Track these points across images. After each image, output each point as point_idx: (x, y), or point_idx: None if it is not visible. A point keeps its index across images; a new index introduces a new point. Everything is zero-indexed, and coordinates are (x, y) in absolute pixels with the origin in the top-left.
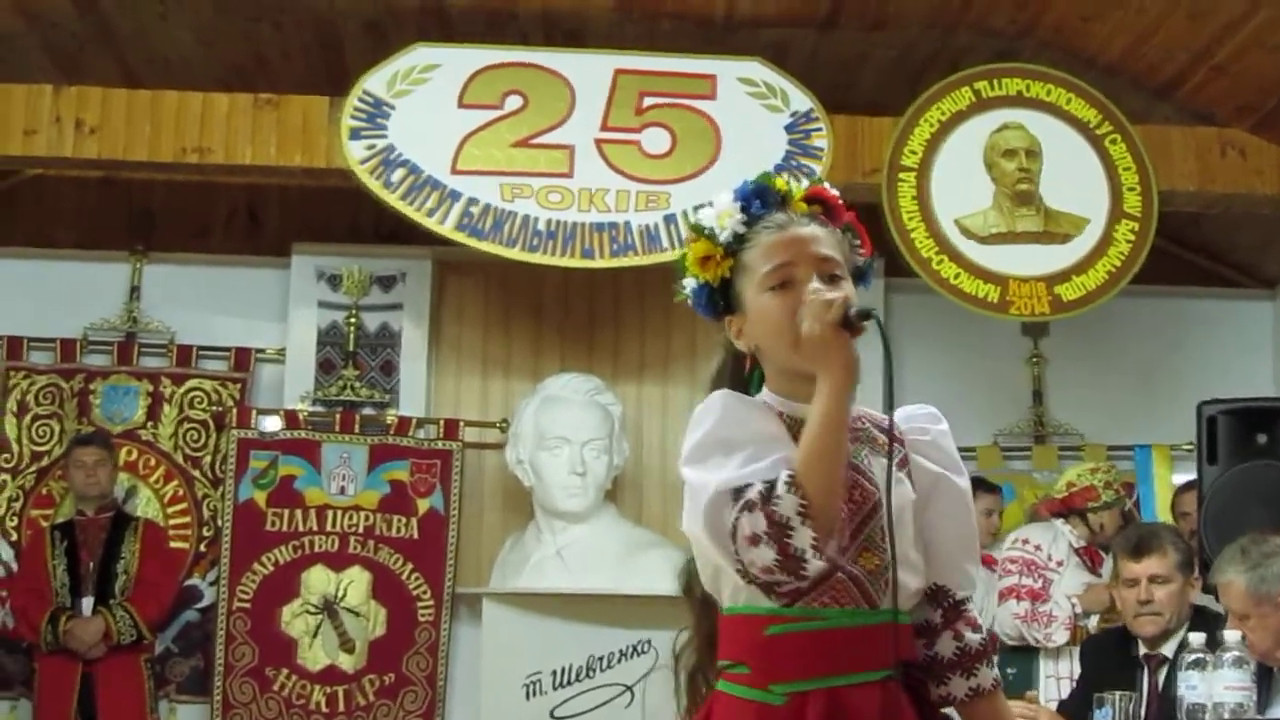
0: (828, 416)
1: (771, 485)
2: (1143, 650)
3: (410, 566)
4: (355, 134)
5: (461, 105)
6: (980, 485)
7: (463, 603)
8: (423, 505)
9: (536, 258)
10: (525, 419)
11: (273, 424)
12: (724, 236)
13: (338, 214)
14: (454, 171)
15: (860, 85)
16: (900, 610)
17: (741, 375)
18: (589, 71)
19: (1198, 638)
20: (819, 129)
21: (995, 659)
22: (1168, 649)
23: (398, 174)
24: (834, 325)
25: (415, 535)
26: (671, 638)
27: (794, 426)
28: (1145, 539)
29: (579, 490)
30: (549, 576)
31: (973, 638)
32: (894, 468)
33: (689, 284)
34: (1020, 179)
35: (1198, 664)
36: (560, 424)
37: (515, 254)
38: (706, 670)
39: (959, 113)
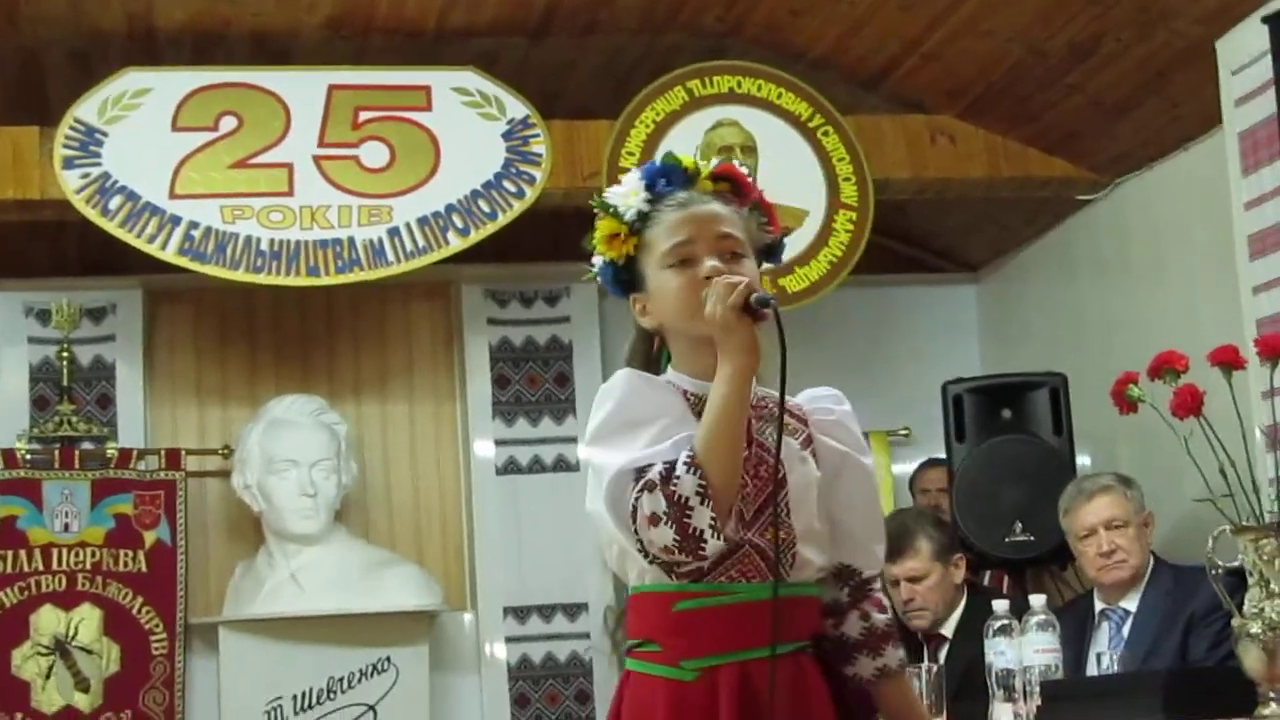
0: (727, 399)
1: (672, 466)
2: (920, 634)
3: (141, 600)
4: (69, 163)
5: (176, 129)
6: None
7: (197, 633)
8: (149, 537)
9: (262, 278)
10: (250, 443)
11: None
12: (629, 214)
13: (41, 248)
14: (173, 196)
15: (571, 91)
16: (808, 584)
17: (650, 354)
18: (302, 89)
19: (1001, 605)
20: (536, 135)
21: (899, 643)
22: (946, 629)
23: (115, 201)
24: (736, 309)
25: (144, 568)
26: (411, 654)
27: (700, 405)
28: (895, 540)
29: (310, 512)
30: (284, 600)
31: (879, 618)
32: (799, 446)
33: (597, 261)
34: None
35: (1004, 630)
36: (287, 446)
37: (240, 276)
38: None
39: (673, 112)
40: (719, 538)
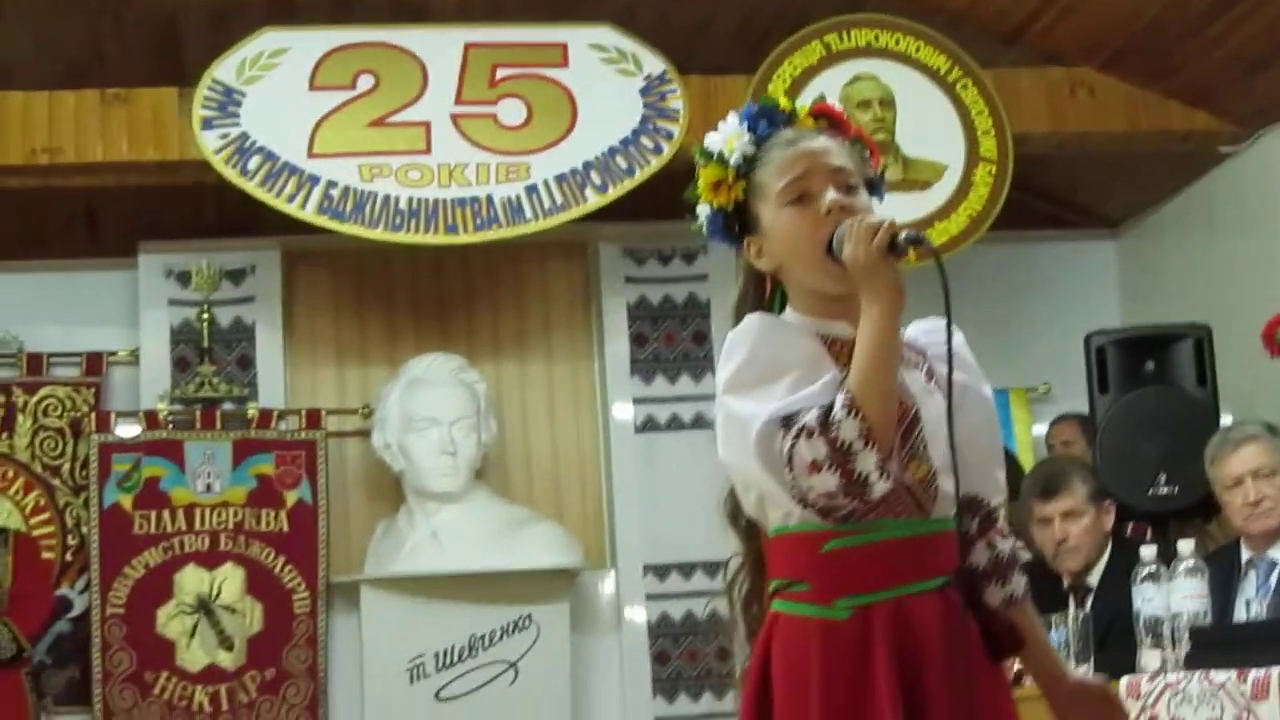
0: (881, 337)
1: (828, 410)
2: (1066, 582)
3: (283, 560)
4: (208, 124)
5: (313, 88)
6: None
7: (339, 592)
8: (290, 497)
9: (400, 237)
10: (390, 403)
11: (133, 427)
12: (734, 159)
13: (180, 210)
14: (310, 155)
15: (708, 47)
16: (947, 519)
17: (763, 298)
18: (439, 47)
19: (1149, 551)
20: (673, 90)
21: (1025, 570)
22: (1092, 578)
23: (254, 161)
24: (881, 250)
25: (285, 528)
26: (551, 611)
27: (828, 345)
28: (1052, 479)
29: (450, 470)
30: (425, 559)
31: (1004, 545)
32: (924, 380)
33: (702, 211)
34: (876, 129)
35: (1152, 576)
36: (427, 405)
37: (379, 235)
38: (760, 595)
39: (810, 67)
40: (887, 479)
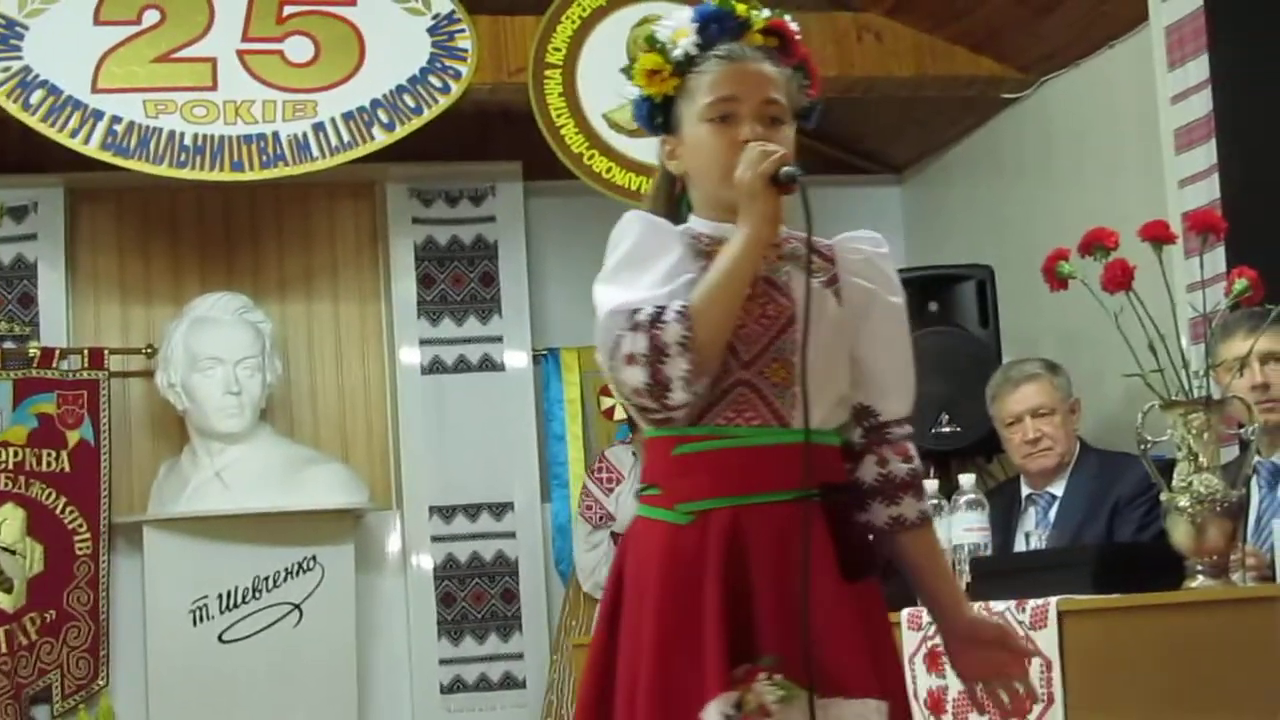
0: (737, 262)
1: (662, 310)
2: None
3: (64, 500)
4: None
5: (98, 23)
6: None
7: (121, 533)
8: (73, 437)
9: (185, 174)
10: (174, 342)
11: None
12: (675, 54)
13: None
14: (95, 90)
15: None
16: (820, 429)
17: (673, 195)
18: None
19: (930, 485)
20: (462, 30)
21: (926, 495)
22: None
23: (36, 95)
24: (765, 177)
25: (67, 468)
26: (336, 552)
27: (714, 247)
28: None
29: (235, 410)
30: (210, 499)
31: (899, 466)
32: (820, 285)
33: (633, 93)
34: None
35: (934, 509)
36: (212, 344)
37: (164, 170)
38: None
39: (599, 8)
40: (688, 390)
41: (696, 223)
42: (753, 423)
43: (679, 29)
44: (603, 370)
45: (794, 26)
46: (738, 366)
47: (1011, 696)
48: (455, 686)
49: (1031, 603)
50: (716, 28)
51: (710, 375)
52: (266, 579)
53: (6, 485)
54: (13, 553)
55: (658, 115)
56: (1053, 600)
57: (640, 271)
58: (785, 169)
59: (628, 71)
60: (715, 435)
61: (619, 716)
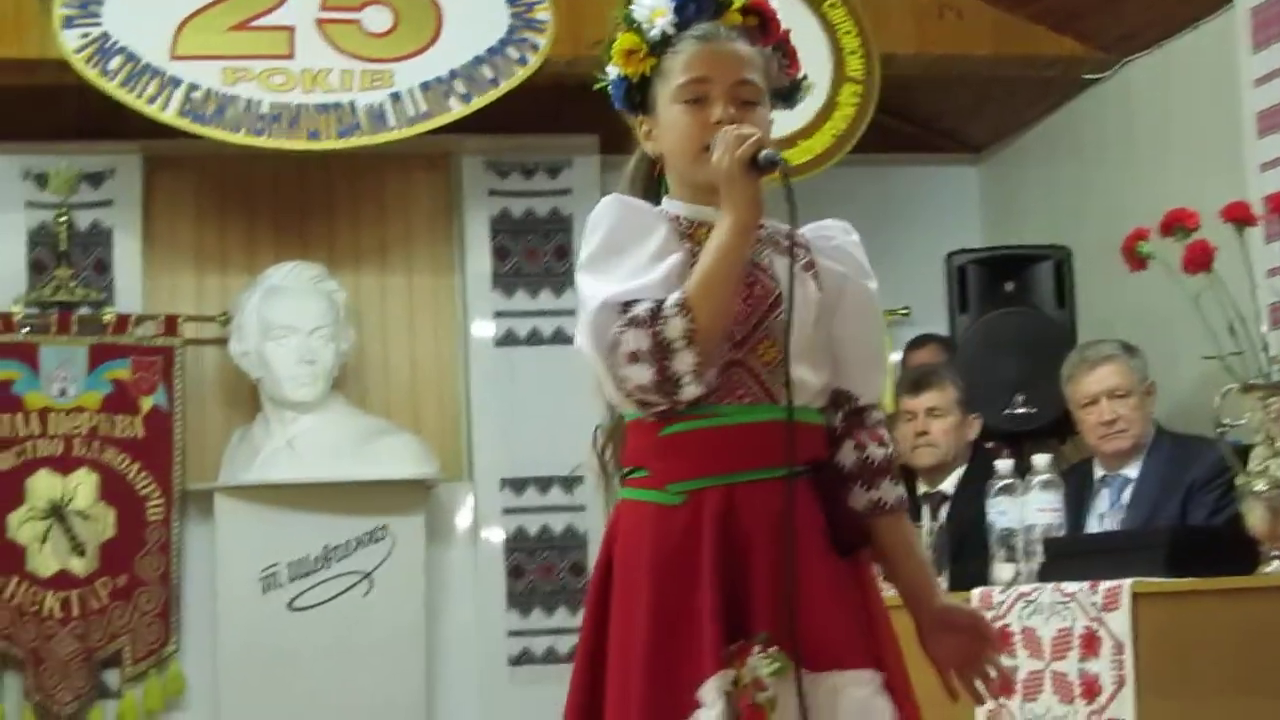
0: (727, 248)
1: (660, 305)
2: (922, 489)
3: (137, 466)
4: (68, 23)
5: None
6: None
7: (193, 500)
8: (146, 403)
9: (261, 142)
10: (248, 310)
11: None
12: (652, 34)
13: (39, 111)
14: (173, 57)
15: None
16: (806, 408)
17: (651, 175)
18: None
19: (1005, 464)
20: (541, 2)
21: (900, 480)
22: (947, 486)
23: (115, 62)
24: (742, 162)
25: (141, 434)
26: (406, 523)
27: (692, 229)
28: (924, 375)
29: (308, 379)
30: (280, 467)
31: (876, 451)
32: (801, 269)
33: (611, 72)
34: None
35: (1008, 489)
36: (285, 313)
37: (240, 138)
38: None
39: None
40: (698, 384)
41: (673, 205)
42: (744, 401)
43: (656, 8)
44: (593, 363)
45: (773, 6)
46: (729, 347)
47: (986, 683)
48: (523, 659)
49: (1104, 584)
50: (693, 7)
51: (716, 364)
52: (337, 548)
53: (81, 451)
54: (86, 517)
55: (635, 95)
56: (1126, 582)
57: (624, 257)
58: (764, 153)
59: (605, 51)
60: (705, 414)
61: (611, 699)
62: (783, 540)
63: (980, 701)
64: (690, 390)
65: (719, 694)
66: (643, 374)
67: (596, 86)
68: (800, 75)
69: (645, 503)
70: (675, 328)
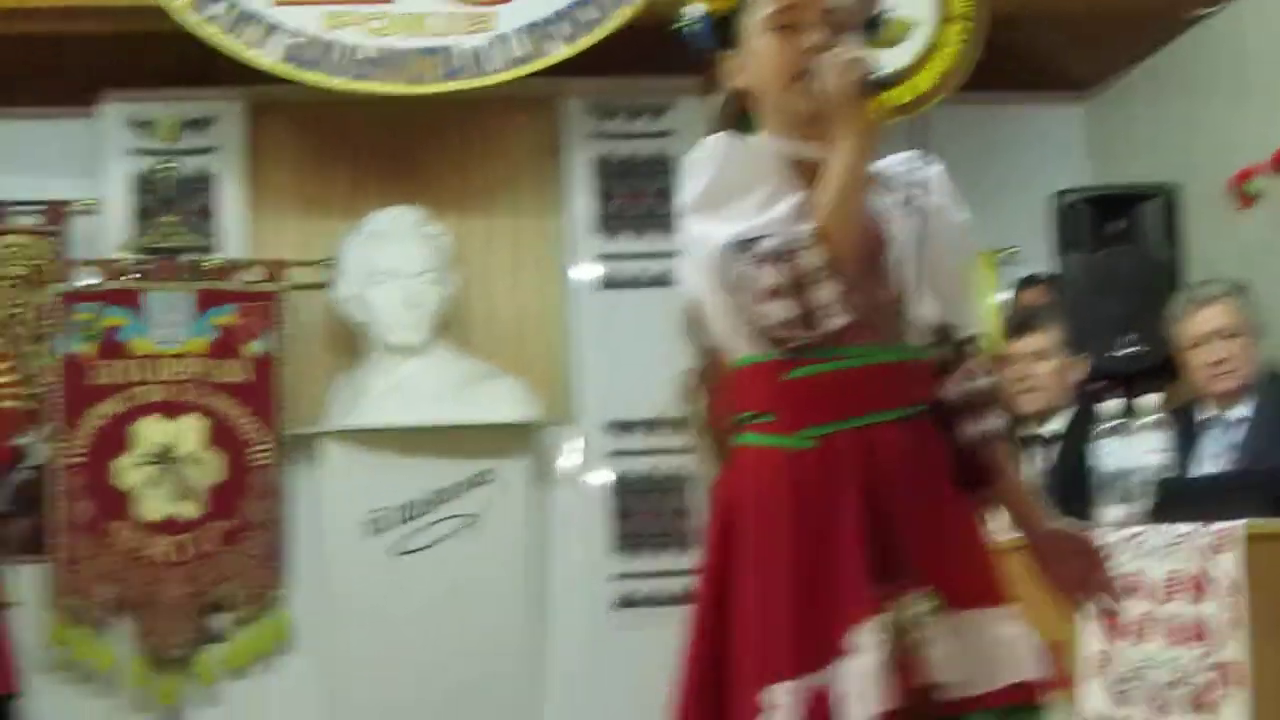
0: (851, 172)
1: (792, 238)
2: (1026, 432)
3: (244, 411)
4: None
5: None
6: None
7: (299, 444)
8: (252, 349)
9: (363, 86)
10: (352, 255)
11: (93, 276)
12: None
13: (143, 59)
14: (275, 3)
15: None
16: (920, 346)
17: (734, 116)
18: None
19: (1112, 405)
20: None
21: (1003, 410)
22: (1051, 428)
23: (218, 9)
24: (855, 86)
25: (247, 379)
26: (512, 466)
27: (797, 167)
28: (1026, 318)
29: (413, 323)
30: (387, 411)
31: (981, 381)
32: (901, 205)
33: (694, 11)
34: None
35: (1115, 430)
36: (389, 257)
37: (342, 84)
38: (725, 428)
39: None
40: (845, 313)
41: (769, 141)
42: (866, 342)
43: None
44: (709, 304)
45: None
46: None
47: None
48: (628, 601)
49: (1217, 525)
50: None
51: (855, 293)
52: (442, 492)
53: (187, 396)
54: (194, 462)
55: (720, 31)
56: (1240, 523)
57: (740, 196)
58: (873, 75)
59: None
60: (831, 357)
61: (746, 645)
62: (919, 480)
63: (1109, 616)
64: (837, 320)
65: (875, 637)
66: (785, 309)
67: (674, 27)
68: (882, 8)
69: (773, 448)
70: (813, 258)
